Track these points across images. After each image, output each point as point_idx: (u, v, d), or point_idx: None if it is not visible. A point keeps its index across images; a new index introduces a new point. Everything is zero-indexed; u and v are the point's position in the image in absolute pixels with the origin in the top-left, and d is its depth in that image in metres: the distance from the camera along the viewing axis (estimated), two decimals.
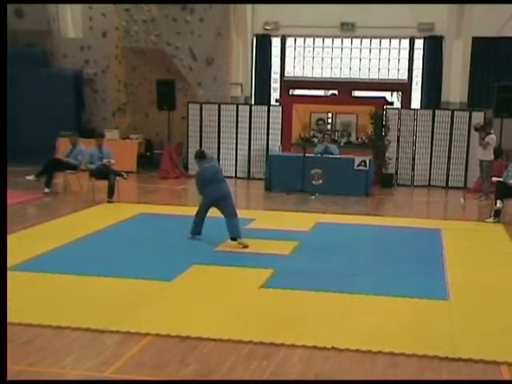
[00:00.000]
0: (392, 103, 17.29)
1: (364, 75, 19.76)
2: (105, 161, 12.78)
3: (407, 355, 5.49)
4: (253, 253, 8.87)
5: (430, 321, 6.38)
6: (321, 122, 16.11)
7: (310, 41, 19.86)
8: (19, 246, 8.65)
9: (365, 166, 14.10)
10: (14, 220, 10.04)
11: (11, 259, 7.14)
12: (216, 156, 16.46)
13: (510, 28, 17.44)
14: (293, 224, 10.82)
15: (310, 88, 19.91)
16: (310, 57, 19.95)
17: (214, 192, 9.38)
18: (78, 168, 13.45)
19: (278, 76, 20.07)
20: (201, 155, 9.84)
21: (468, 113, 15.78)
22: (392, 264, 8.54)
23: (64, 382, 4.93)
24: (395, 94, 19.77)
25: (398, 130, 15.91)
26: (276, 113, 16.35)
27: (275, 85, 20.11)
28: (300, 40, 19.92)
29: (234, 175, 16.28)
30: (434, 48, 18.83)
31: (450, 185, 15.69)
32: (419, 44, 19.23)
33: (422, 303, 6.90)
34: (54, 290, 7.08)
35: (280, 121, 16.27)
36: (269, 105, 17.45)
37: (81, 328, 5.93)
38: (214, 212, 11.84)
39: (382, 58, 19.69)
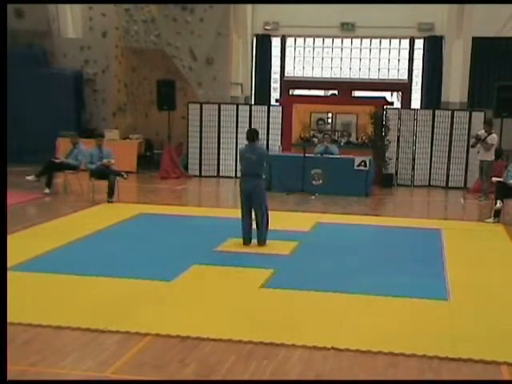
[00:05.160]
0: (392, 103, 17.28)
1: (364, 75, 19.78)
2: (105, 161, 12.77)
3: (407, 355, 5.49)
4: (253, 253, 8.87)
5: (430, 321, 6.38)
6: (321, 122, 16.11)
7: (310, 41, 19.88)
8: (19, 245, 8.65)
9: (365, 166, 14.10)
10: (13, 220, 10.03)
11: (11, 259, 7.15)
12: (216, 156, 16.51)
13: (510, 28, 17.45)
14: (293, 224, 10.82)
15: (309, 88, 19.93)
16: (310, 57, 19.97)
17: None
18: (78, 168, 13.45)
19: (277, 76, 20.09)
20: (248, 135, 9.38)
21: (468, 113, 15.78)
22: (392, 264, 8.54)
23: (64, 382, 4.93)
24: (395, 93, 19.79)
25: (398, 130, 15.91)
26: (276, 113, 16.34)
27: (275, 85, 20.13)
28: (300, 40, 19.94)
29: (234, 175, 16.26)
30: (434, 48, 18.85)
31: (450, 185, 15.68)
32: (419, 44, 19.26)
33: (422, 303, 6.90)
34: (54, 290, 7.08)
35: (280, 121, 16.26)
36: (269, 105, 17.44)
37: (81, 328, 5.93)
38: (213, 212, 11.84)
39: (382, 58, 19.72)
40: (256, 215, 9.16)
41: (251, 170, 9.08)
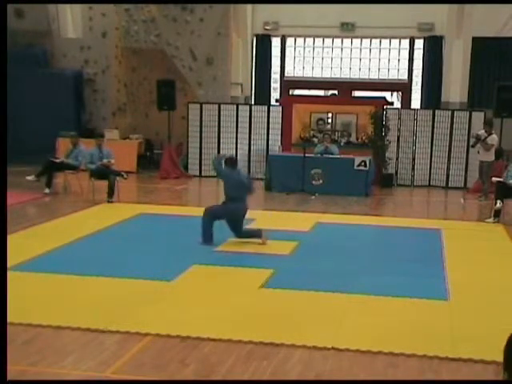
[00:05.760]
0: (392, 103, 17.28)
1: (364, 75, 19.77)
2: (105, 161, 12.77)
3: (407, 355, 5.49)
4: (253, 253, 8.87)
5: (430, 321, 6.38)
6: (321, 122, 16.10)
7: (310, 41, 19.87)
8: (19, 245, 8.65)
9: (365, 166, 14.09)
10: (13, 220, 10.03)
11: (11, 259, 7.15)
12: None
13: (510, 28, 17.44)
14: (293, 224, 10.82)
15: (310, 88, 19.92)
16: (310, 57, 19.96)
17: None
18: (78, 168, 13.45)
19: (277, 76, 20.08)
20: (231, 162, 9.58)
21: (468, 113, 15.77)
22: (392, 264, 8.54)
23: (64, 382, 4.93)
24: (395, 93, 19.78)
25: (398, 129, 15.90)
26: (276, 113, 16.34)
27: (275, 85, 20.12)
28: (300, 40, 19.92)
29: None
30: (434, 48, 18.84)
31: (450, 185, 15.68)
32: (419, 44, 19.24)
33: (422, 303, 6.90)
34: (54, 290, 7.08)
35: (280, 121, 16.26)
36: (269, 105, 17.44)
37: (81, 328, 5.93)
38: None
39: (382, 58, 19.71)
40: (238, 237, 9.29)
41: (239, 194, 9.21)
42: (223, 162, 9.53)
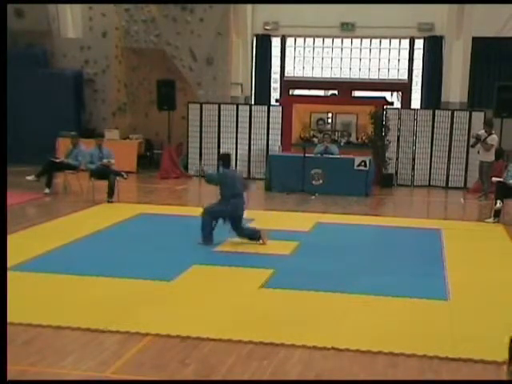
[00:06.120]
0: (392, 103, 17.26)
1: (364, 75, 19.75)
2: (105, 161, 12.77)
3: (407, 355, 5.49)
4: (253, 253, 8.87)
5: (430, 321, 6.39)
6: (321, 122, 16.10)
7: (310, 41, 19.85)
8: (19, 245, 8.65)
9: (365, 166, 14.10)
10: (13, 220, 10.03)
11: (11, 259, 7.15)
12: (216, 156, 16.50)
13: (510, 28, 17.42)
14: (293, 224, 10.82)
15: (310, 88, 19.91)
16: (310, 57, 19.94)
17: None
18: (78, 168, 13.45)
19: (277, 76, 20.05)
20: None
21: (468, 113, 15.77)
22: (392, 264, 8.54)
23: (64, 382, 4.93)
24: (395, 93, 19.77)
25: (398, 129, 15.90)
26: (276, 113, 16.34)
27: (275, 85, 20.09)
28: (300, 40, 19.91)
29: None
30: (434, 48, 18.82)
31: (450, 185, 15.67)
32: (419, 44, 19.22)
33: (422, 303, 6.90)
34: (54, 289, 7.08)
35: (280, 121, 16.26)
36: (269, 105, 17.43)
37: (81, 328, 5.93)
38: None
39: (382, 58, 19.69)
40: (240, 235, 9.30)
41: (237, 190, 9.30)
42: (217, 163, 9.68)
